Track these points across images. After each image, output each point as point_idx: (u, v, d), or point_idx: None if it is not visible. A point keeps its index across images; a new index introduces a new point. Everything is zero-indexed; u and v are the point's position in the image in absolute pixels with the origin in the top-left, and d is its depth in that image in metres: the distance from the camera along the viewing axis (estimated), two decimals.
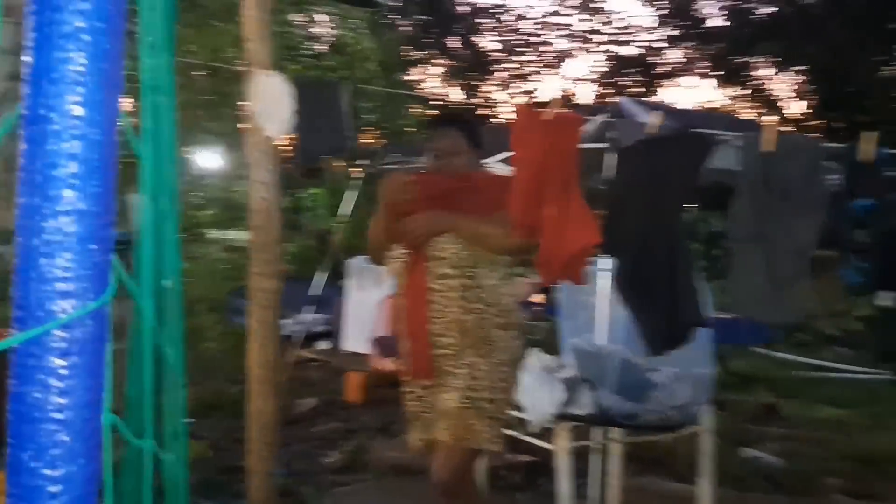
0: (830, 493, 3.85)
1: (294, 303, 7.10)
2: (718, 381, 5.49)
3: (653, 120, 2.15)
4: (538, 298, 5.21)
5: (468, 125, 2.49)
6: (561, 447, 2.66)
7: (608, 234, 2.07)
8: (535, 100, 18.74)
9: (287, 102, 2.51)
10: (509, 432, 2.85)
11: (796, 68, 19.55)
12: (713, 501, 3.05)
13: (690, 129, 2.17)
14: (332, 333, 7.17)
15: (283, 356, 6.02)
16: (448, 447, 2.35)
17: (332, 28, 16.28)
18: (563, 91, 21.77)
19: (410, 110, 13.55)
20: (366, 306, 6.05)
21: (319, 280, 6.03)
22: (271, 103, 2.53)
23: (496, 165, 4.15)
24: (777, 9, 19.36)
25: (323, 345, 7.00)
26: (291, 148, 2.69)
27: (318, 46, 15.76)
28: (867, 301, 2.31)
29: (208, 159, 11.96)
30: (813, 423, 5.26)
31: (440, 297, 2.34)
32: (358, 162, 5.79)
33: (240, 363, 3.94)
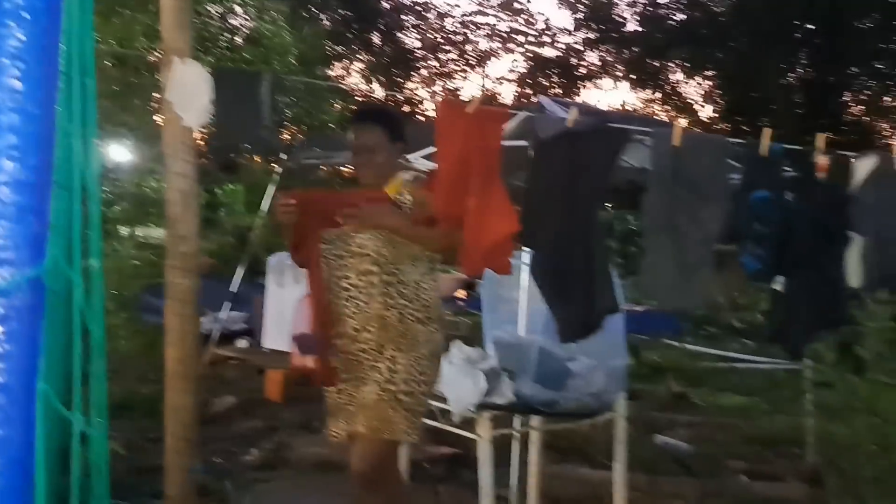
0: (735, 474, 4.07)
1: (213, 300, 6.93)
2: (633, 371, 5.71)
3: (570, 115, 2.22)
4: (462, 293, 5.28)
5: (389, 119, 2.47)
6: (482, 436, 2.71)
7: (526, 225, 2.14)
8: (458, 98, 18.89)
9: (205, 92, 2.45)
10: (432, 423, 2.89)
11: (706, 73, 20.50)
12: (626, 486, 3.17)
13: (606, 124, 2.26)
14: (251, 331, 7.04)
15: (201, 354, 5.89)
16: (366, 439, 2.36)
17: (249, 20, 15.91)
18: (485, 90, 22.06)
19: (332, 106, 13.39)
20: (286, 303, 5.95)
21: (238, 277, 5.90)
22: (188, 92, 2.46)
23: (420, 161, 4.18)
24: (686, 16, 20.24)
25: (242, 343, 6.86)
26: (207, 139, 2.62)
27: (236, 39, 15.38)
28: (769, 294, 2.47)
29: (118, 153, 11.48)
30: (719, 409, 5.55)
31: (361, 292, 2.34)
32: (279, 157, 5.72)
33: (153, 362, 3.83)
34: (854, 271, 2.25)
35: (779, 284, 2.32)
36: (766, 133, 2.27)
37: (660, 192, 2.17)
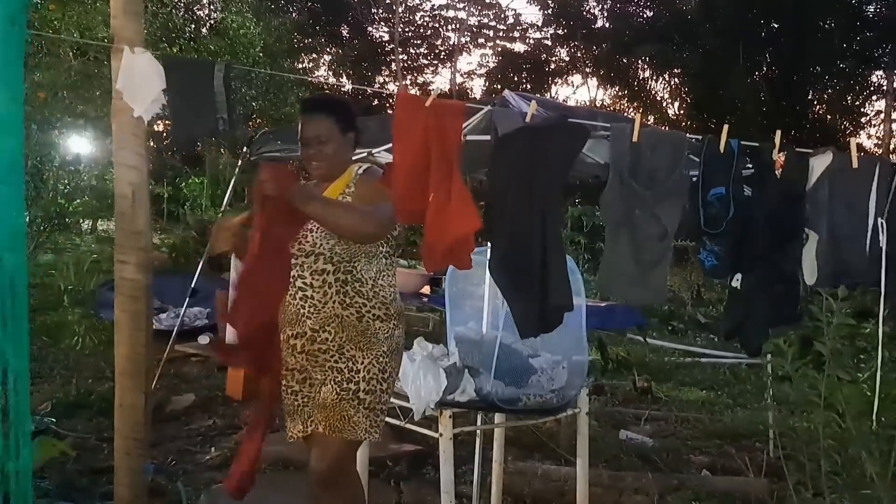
0: (697, 468, 4.10)
1: (174, 296, 6.78)
2: (598, 366, 5.77)
3: (530, 110, 2.19)
4: (427, 289, 5.24)
5: (338, 108, 2.36)
6: (443, 434, 2.68)
7: (486, 220, 2.10)
8: (429, 92, 18.81)
9: (156, 81, 2.37)
10: (393, 421, 2.84)
11: (673, 71, 20.74)
12: (589, 480, 3.17)
13: (568, 118, 2.23)
14: (214, 327, 6.91)
15: (160, 350, 5.76)
16: (326, 439, 2.30)
17: (215, 11, 15.68)
18: (455, 85, 22.01)
19: (298, 98, 13.23)
20: None
21: (198, 272, 5.77)
22: (139, 83, 2.38)
23: (384, 154, 4.12)
24: (654, 14, 20.44)
25: (204, 339, 6.73)
26: (166, 132, 2.55)
27: (202, 30, 15.16)
28: (726, 291, 2.48)
29: (79, 144, 11.19)
30: (682, 404, 5.60)
31: (317, 292, 2.27)
32: (241, 150, 5.60)
33: (109, 359, 3.71)
34: (809, 268, 2.27)
35: (736, 281, 2.32)
36: (724, 129, 2.26)
37: (618, 187, 2.15)
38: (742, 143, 2.30)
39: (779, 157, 2.31)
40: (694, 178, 2.33)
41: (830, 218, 2.32)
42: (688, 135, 2.26)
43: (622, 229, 2.15)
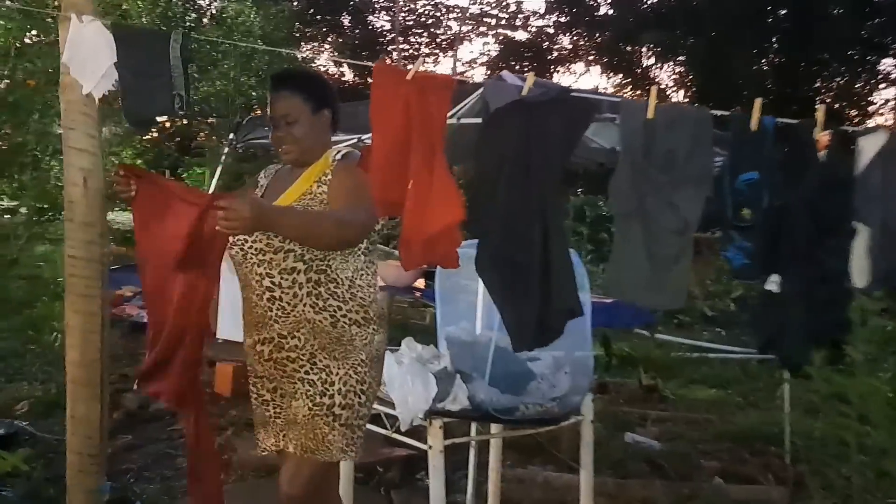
0: (709, 475, 3.85)
1: None
2: (600, 363, 5.51)
3: (527, 83, 1.91)
4: (420, 283, 4.97)
5: (309, 84, 2.10)
6: (433, 446, 2.42)
7: (472, 210, 1.83)
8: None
9: (106, 54, 2.10)
10: (379, 430, 2.60)
11: (677, 59, 20.41)
12: (593, 491, 2.92)
13: (570, 93, 1.95)
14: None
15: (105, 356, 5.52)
16: (296, 460, 2.05)
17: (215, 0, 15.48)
18: (456, 73, 21.70)
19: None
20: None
21: None
22: (87, 55, 2.11)
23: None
24: (658, 0, 20.09)
25: None
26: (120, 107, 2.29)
27: (203, 19, 14.97)
28: (759, 295, 2.16)
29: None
30: (691, 403, 5.35)
31: (286, 293, 2.00)
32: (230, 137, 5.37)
33: None
34: (858, 267, 1.96)
35: (771, 283, 2.00)
36: (756, 105, 1.96)
37: (629, 171, 1.86)
38: (778, 120, 2.00)
39: (821, 137, 2.01)
40: (720, 162, 2.03)
41: (884, 207, 1.98)
42: (712, 111, 1.95)
43: (634, 220, 1.86)
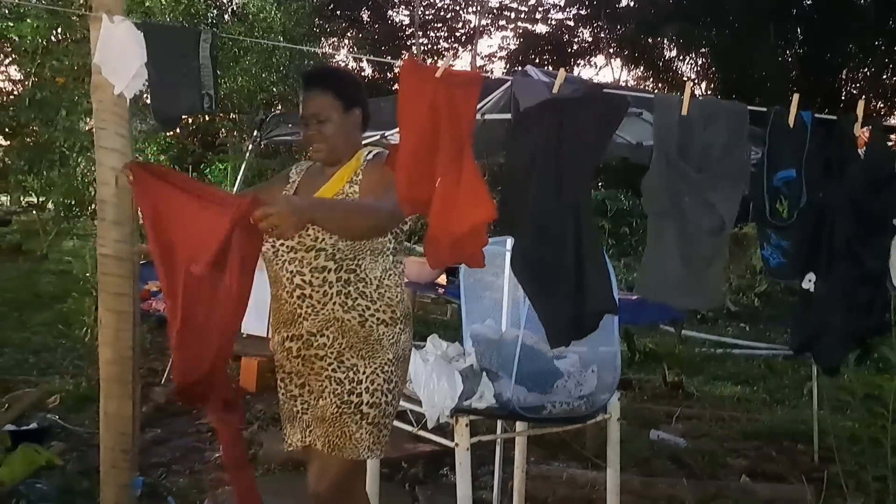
0: (736, 473, 3.81)
1: None
2: (623, 359, 5.47)
3: (557, 80, 1.90)
4: (443, 279, 4.98)
5: (340, 82, 2.11)
6: (460, 443, 2.43)
7: (504, 209, 1.82)
8: None
9: (137, 53, 2.11)
10: (404, 427, 2.61)
11: (700, 51, 20.15)
12: (619, 489, 2.90)
13: (602, 89, 1.93)
14: None
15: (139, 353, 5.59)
16: (324, 457, 2.06)
17: None
18: (476, 68, 21.63)
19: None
20: (267, 287, 5.64)
21: None
22: (118, 55, 2.12)
23: (397, 136, 3.86)
24: None
25: None
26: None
27: (224, 15, 15.06)
28: (798, 295, 2.10)
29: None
30: (716, 400, 5.30)
31: (316, 291, 2.01)
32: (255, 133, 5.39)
33: None
34: None
35: (808, 283, 1.97)
36: (795, 100, 1.93)
37: (663, 169, 1.83)
38: (816, 115, 1.96)
39: (862, 133, 1.96)
40: (756, 159, 2.00)
41: None
42: (749, 106, 1.92)
43: (668, 219, 1.84)
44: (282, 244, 2.04)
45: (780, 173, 1.93)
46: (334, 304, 2.01)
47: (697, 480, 3.60)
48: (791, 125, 1.94)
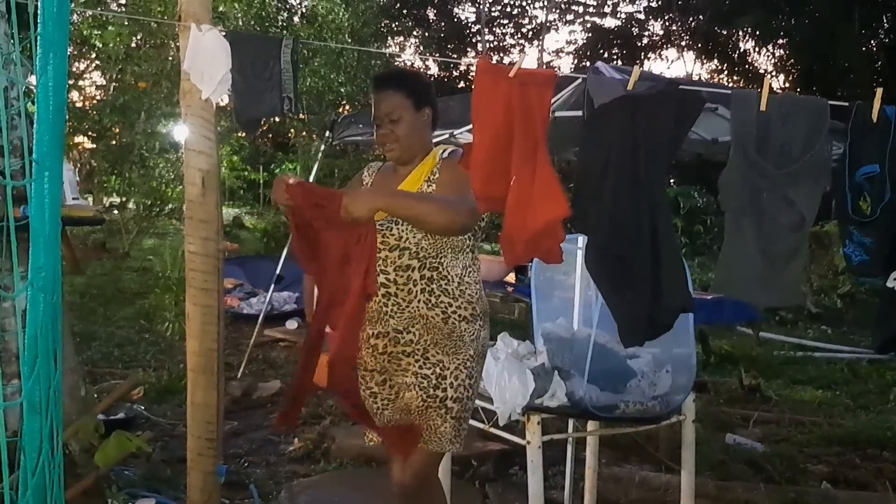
0: (817, 480, 3.68)
1: (265, 281, 6.82)
2: (699, 361, 5.35)
3: (632, 77, 1.88)
4: (511, 278, 4.98)
5: (411, 83, 2.16)
6: (532, 441, 2.43)
7: (578, 206, 1.82)
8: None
9: (223, 60, 2.21)
10: (477, 425, 2.63)
11: (776, 41, 19.40)
12: (694, 492, 2.85)
13: (677, 86, 1.90)
14: (301, 312, 6.93)
15: (249, 335, 5.78)
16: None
17: None
18: (543, 64, 21.46)
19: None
20: None
21: (283, 258, 5.73)
22: (206, 61, 2.23)
23: (467, 136, 3.89)
24: None
25: (292, 324, 6.76)
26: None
27: (294, 18, 15.42)
28: (881, 294, 2.02)
29: (180, 132, 11.58)
30: (795, 405, 5.12)
31: (401, 290, 2.08)
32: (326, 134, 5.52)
33: None
34: None
35: (893, 281, 1.90)
36: (878, 94, 1.86)
37: (742, 165, 1.80)
38: None
39: None
40: (838, 154, 1.94)
41: None
42: (830, 101, 1.87)
43: (746, 216, 1.80)
44: None
45: (863, 169, 1.87)
46: (419, 301, 2.07)
47: (775, 486, 3.49)
48: (874, 120, 1.87)
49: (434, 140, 2.28)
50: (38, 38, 1.37)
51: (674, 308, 1.80)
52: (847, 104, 1.89)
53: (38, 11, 1.37)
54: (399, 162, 2.18)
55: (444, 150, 2.16)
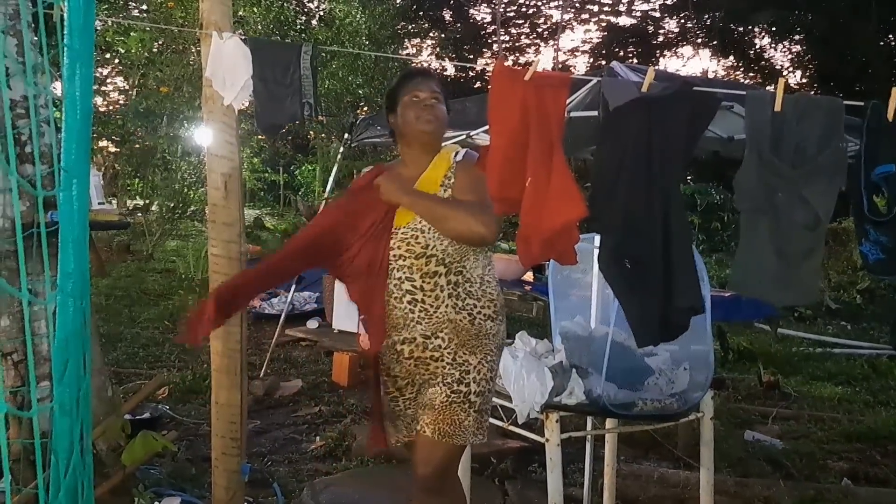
0: (837, 477, 3.67)
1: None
2: (718, 358, 5.35)
3: (647, 78, 1.91)
4: (529, 276, 5.00)
5: (439, 81, 2.28)
6: (550, 439, 2.46)
7: (593, 207, 1.85)
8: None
9: (244, 67, 2.27)
10: (496, 423, 2.66)
11: (793, 38, 19.21)
12: (713, 489, 2.86)
13: (692, 87, 1.92)
14: (322, 312, 6.99)
15: (271, 334, 5.85)
16: (431, 443, 2.15)
17: (324, 1, 15.99)
18: (558, 63, 21.40)
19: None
20: None
21: None
22: (227, 68, 2.29)
23: (483, 137, 3.92)
24: None
25: (313, 324, 6.83)
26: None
27: (312, 21, 15.52)
28: (869, 275, 2.06)
29: (202, 135, 11.73)
30: (815, 401, 5.10)
31: (428, 296, 2.12)
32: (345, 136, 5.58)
33: None
34: None
35: None
36: (894, 94, 1.87)
37: (756, 165, 1.82)
38: None
39: None
40: (854, 152, 1.96)
41: None
42: (846, 101, 1.88)
43: (762, 215, 1.83)
44: (392, 254, 2.14)
45: (879, 168, 1.88)
46: (446, 306, 2.11)
47: (795, 482, 3.49)
48: (890, 119, 1.88)
49: (451, 140, 2.33)
50: (66, 49, 1.41)
51: (684, 306, 1.82)
52: (862, 103, 1.91)
53: (65, 22, 1.41)
54: (431, 139, 2.21)
55: (457, 153, 2.20)
